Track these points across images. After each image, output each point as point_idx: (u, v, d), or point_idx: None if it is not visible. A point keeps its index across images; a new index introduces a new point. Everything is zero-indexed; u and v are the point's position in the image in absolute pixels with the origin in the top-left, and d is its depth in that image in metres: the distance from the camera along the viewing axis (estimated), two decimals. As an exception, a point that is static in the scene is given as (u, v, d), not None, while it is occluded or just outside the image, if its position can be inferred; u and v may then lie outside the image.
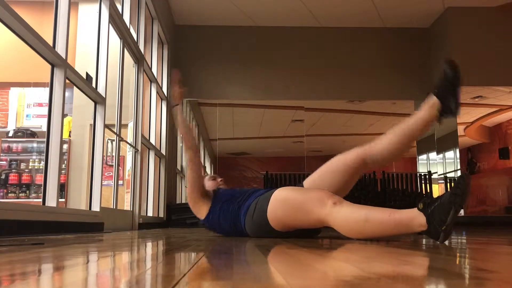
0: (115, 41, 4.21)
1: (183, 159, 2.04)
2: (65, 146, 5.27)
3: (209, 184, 2.50)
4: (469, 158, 8.88)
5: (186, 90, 2.43)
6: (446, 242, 1.61)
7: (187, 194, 2.40)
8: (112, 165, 4.20)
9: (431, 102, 1.93)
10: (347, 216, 1.81)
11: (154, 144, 5.51)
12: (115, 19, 4.03)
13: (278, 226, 2.07)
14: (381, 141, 2.06)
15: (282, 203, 2.05)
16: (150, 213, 5.45)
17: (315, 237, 2.19)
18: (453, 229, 1.62)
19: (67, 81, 2.91)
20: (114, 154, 4.14)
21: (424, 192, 6.87)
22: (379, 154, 2.06)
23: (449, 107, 1.89)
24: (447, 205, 1.54)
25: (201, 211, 2.35)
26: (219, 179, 2.56)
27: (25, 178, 5.56)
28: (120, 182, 5.04)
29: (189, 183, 2.35)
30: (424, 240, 1.85)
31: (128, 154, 4.99)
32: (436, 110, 1.91)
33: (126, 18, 4.46)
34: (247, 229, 2.20)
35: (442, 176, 6.85)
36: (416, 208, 1.63)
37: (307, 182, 2.25)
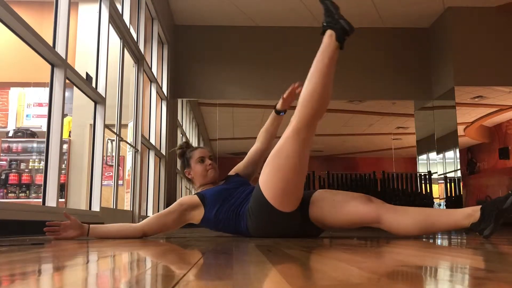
0: (115, 41, 4.21)
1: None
2: (65, 146, 5.27)
3: (196, 170, 2.40)
4: (469, 158, 8.87)
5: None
6: (445, 242, 1.61)
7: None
8: (112, 165, 4.20)
9: (472, 212, 1.82)
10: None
11: (154, 144, 5.51)
12: (115, 19, 4.03)
13: (277, 199, 1.99)
14: (407, 214, 1.97)
15: (267, 171, 2.03)
16: (150, 213, 5.45)
17: (317, 237, 2.19)
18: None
19: (67, 81, 2.91)
20: (114, 154, 4.14)
21: (424, 192, 6.87)
22: (396, 223, 1.96)
23: (484, 228, 1.78)
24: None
25: (194, 218, 2.25)
26: (208, 161, 2.43)
27: (25, 178, 5.55)
28: (120, 182, 5.04)
29: (168, 228, 2.25)
30: (424, 240, 1.86)
31: (128, 154, 4.99)
32: (472, 221, 1.81)
33: (126, 18, 4.46)
34: (250, 229, 2.17)
35: (442, 176, 6.84)
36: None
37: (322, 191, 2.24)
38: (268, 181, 2.02)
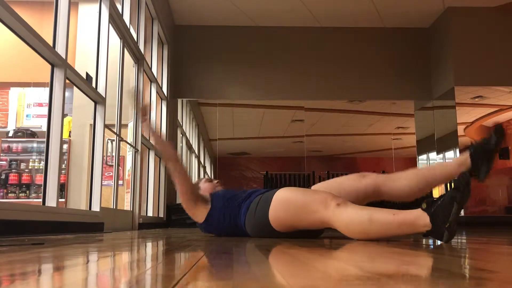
0: (115, 41, 4.21)
1: (169, 170, 2.03)
2: (65, 146, 5.27)
3: (205, 187, 2.46)
4: (469, 158, 8.85)
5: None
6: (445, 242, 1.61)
7: (181, 201, 2.33)
8: (112, 165, 4.20)
9: (463, 159, 1.93)
10: (351, 216, 1.80)
11: (154, 144, 5.50)
12: (115, 19, 4.03)
13: (279, 227, 2.06)
14: (402, 178, 2.06)
15: (284, 203, 2.04)
16: (150, 213, 5.45)
17: (318, 237, 2.19)
18: (457, 228, 1.62)
19: (67, 81, 2.91)
20: (114, 154, 4.14)
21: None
22: (396, 189, 2.05)
23: (478, 172, 1.87)
24: (448, 203, 1.56)
25: (198, 215, 2.31)
26: (215, 181, 2.54)
27: (25, 178, 5.56)
28: (120, 182, 5.03)
29: (180, 192, 2.28)
30: (424, 240, 1.85)
31: (128, 154, 4.99)
32: (465, 169, 1.90)
33: (126, 18, 4.46)
34: (247, 228, 2.20)
35: (442, 176, 6.83)
36: (420, 208, 1.64)
37: (316, 186, 2.25)
38: (280, 221, 2.05)
